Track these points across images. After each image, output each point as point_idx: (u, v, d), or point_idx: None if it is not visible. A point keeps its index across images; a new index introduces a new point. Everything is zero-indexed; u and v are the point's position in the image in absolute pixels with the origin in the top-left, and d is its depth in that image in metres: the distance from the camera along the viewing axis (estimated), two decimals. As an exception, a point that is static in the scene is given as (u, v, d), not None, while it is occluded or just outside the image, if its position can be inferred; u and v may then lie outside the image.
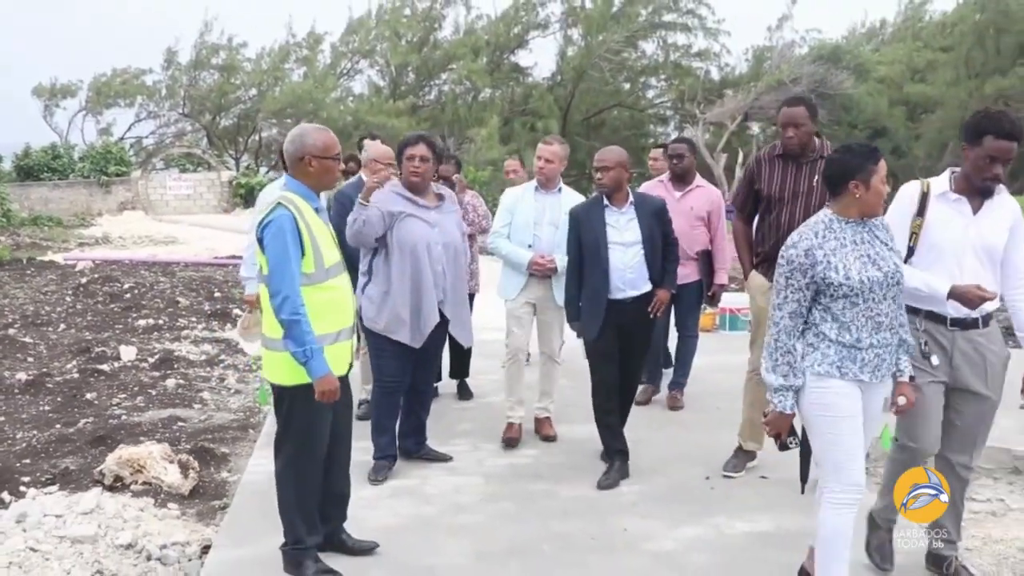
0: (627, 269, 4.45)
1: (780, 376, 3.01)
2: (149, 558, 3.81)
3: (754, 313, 4.67)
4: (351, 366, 3.59)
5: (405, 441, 4.83)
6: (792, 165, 4.37)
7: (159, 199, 25.98)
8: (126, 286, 11.86)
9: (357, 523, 3.86)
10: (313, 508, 3.54)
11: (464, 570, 3.59)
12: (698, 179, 5.94)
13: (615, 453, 4.60)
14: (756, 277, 4.55)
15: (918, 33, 34.64)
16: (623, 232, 4.48)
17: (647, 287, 4.51)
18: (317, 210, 3.45)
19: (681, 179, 5.86)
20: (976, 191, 3.32)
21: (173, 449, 5.01)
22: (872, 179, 2.98)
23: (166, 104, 31.45)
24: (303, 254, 3.29)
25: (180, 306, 10.56)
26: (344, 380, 3.51)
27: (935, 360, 3.33)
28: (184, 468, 4.77)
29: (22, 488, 4.61)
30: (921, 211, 3.35)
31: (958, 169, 3.38)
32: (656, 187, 5.84)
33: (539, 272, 4.96)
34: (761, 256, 4.51)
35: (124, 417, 6.00)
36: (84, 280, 12.34)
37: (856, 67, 28.59)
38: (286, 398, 3.41)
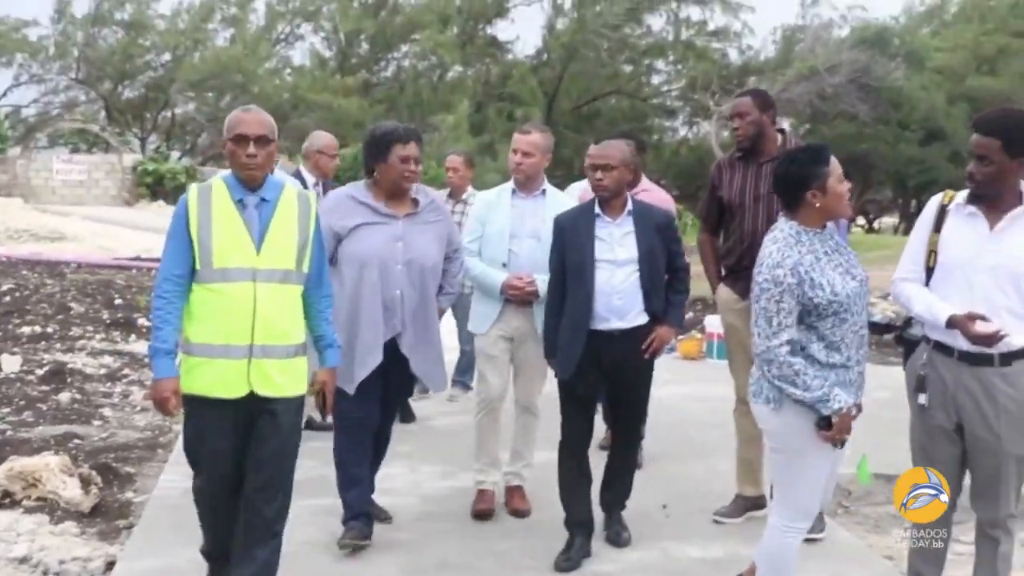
0: (615, 293, 4.42)
1: (817, 390, 3.33)
2: (46, 572, 4.40)
3: (726, 332, 5.23)
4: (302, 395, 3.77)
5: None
6: (752, 167, 4.88)
7: (43, 184, 26.31)
8: (4, 287, 12.45)
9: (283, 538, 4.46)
10: (208, 525, 3.91)
11: (391, 585, 4.27)
12: (644, 182, 6.06)
13: (576, 525, 4.59)
14: (723, 291, 5.09)
15: (987, 14, 34.96)
16: (615, 248, 4.45)
17: (640, 319, 4.48)
18: (240, 202, 3.64)
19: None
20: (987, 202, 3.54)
21: (73, 463, 5.61)
22: (828, 182, 3.37)
23: (55, 66, 31.68)
24: (191, 245, 3.62)
25: (72, 313, 11.23)
26: (246, 405, 3.62)
27: (922, 399, 3.61)
28: (86, 483, 5.36)
29: None
30: (938, 226, 3.61)
31: None
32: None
33: (516, 297, 4.86)
34: (728, 268, 5.10)
35: (9, 432, 6.58)
36: (-49, 279, 12.92)
37: (908, 54, 29.04)
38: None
